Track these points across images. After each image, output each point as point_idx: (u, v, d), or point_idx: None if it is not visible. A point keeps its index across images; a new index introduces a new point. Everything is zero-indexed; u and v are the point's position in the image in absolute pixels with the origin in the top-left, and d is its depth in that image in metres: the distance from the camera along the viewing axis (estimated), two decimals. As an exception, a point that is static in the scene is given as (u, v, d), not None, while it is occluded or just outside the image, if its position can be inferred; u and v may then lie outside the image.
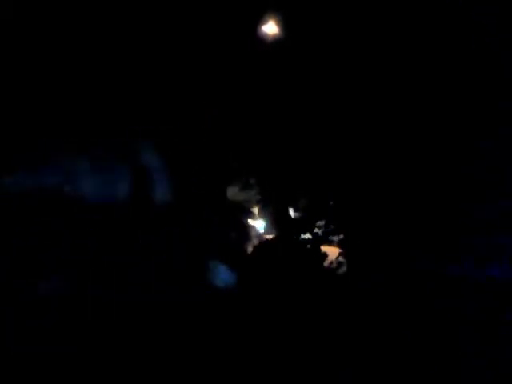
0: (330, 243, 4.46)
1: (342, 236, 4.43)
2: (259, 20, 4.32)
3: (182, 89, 4.01)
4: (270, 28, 4.30)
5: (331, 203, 4.46)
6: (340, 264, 4.35)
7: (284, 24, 4.33)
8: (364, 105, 4.09)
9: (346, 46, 4.13)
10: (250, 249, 3.88)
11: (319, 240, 4.46)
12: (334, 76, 4.21)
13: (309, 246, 4.43)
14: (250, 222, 4.44)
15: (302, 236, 4.49)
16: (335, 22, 4.15)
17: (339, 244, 4.42)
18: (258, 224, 4.49)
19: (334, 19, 4.16)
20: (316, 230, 4.49)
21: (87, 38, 3.97)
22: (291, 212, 4.58)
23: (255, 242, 4.15)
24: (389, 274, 3.12)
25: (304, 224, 4.52)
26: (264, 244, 4.16)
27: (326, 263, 4.37)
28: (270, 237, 4.40)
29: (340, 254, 4.38)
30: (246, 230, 4.14)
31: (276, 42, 4.34)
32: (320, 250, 4.43)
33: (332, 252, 4.42)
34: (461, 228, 2.79)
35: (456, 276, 2.70)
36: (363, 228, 3.95)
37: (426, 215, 3.01)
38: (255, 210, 4.58)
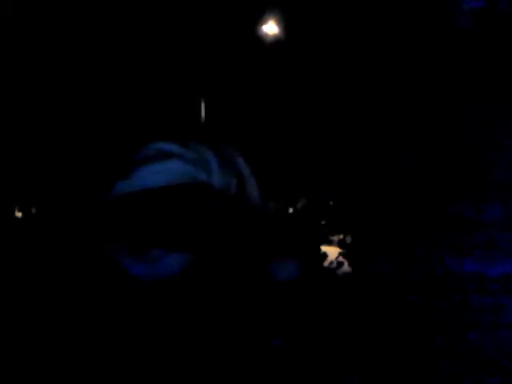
0: (330, 243, 4.48)
1: (341, 236, 4.45)
2: (259, 20, 4.33)
3: (183, 89, 4.03)
4: (270, 28, 4.31)
5: (331, 203, 4.48)
6: (340, 264, 4.37)
7: (284, 24, 4.34)
8: (364, 104, 4.10)
9: (346, 46, 4.14)
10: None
11: (319, 240, 4.47)
12: (334, 76, 4.22)
13: (309, 246, 4.45)
14: None
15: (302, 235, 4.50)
16: (335, 23, 4.16)
17: (339, 244, 4.44)
18: None
19: (333, 19, 4.17)
20: (316, 230, 4.50)
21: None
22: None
23: None
24: (389, 273, 3.13)
25: (304, 224, 4.53)
26: None
27: (325, 263, 4.39)
28: None
29: (340, 254, 4.39)
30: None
31: (276, 41, 4.35)
32: (320, 249, 4.44)
33: (332, 252, 4.44)
34: (462, 226, 2.80)
35: (458, 275, 2.71)
36: (363, 228, 3.96)
37: (426, 214, 3.01)
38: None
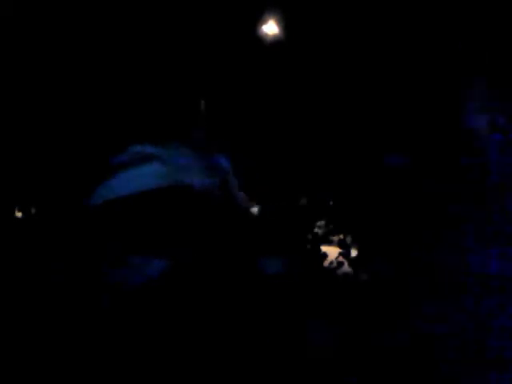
0: (330, 243, 4.48)
1: (341, 236, 4.45)
2: (259, 20, 4.32)
3: (185, 90, 4.02)
4: (270, 28, 4.30)
5: (331, 203, 4.47)
6: (340, 264, 4.37)
7: (284, 24, 4.33)
8: (364, 105, 4.09)
9: (345, 48, 4.13)
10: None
11: (319, 240, 4.47)
12: (335, 76, 4.22)
13: (309, 246, 4.45)
14: None
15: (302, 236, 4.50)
16: (335, 23, 4.16)
17: (339, 244, 4.44)
18: None
19: (334, 20, 4.16)
20: (316, 230, 4.50)
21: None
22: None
23: None
24: (389, 273, 3.13)
25: (304, 224, 4.52)
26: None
27: (325, 263, 4.39)
28: None
29: (340, 254, 4.40)
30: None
31: (276, 42, 4.34)
32: (320, 249, 4.44)
33: (332, 252, 4.44)
34: (463, 226, 2.80)
35: (458, 275, 2.71)
36: (363, 228, 3.96)
37: (426, 214, 3.01)
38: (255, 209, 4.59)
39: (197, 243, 1.60)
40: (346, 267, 4.36)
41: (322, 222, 4.54)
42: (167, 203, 1.57)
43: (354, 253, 4.38)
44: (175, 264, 1.56)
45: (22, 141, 3.97)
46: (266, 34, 4.37)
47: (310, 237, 4.51)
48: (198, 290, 1.60)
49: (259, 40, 4.37)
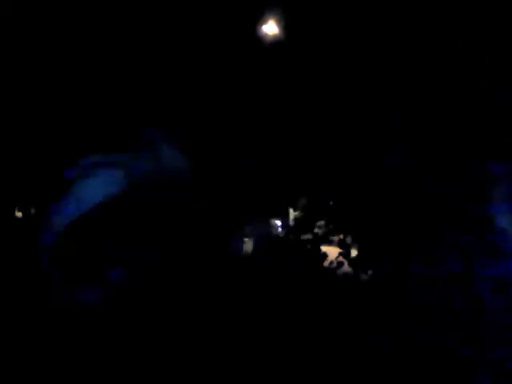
0: (330, 243, 4.48)
1: (341, 236, 4.45)
2: (259, 20, 4.32)
3: (186, 91, 4.02)
4: (270, 28, 4.29)
5: (331, 203, 4.47)
6: (340, 264, 4.37)
7: (284, 24, 4.33)
8: (366, 104, 4.10)
9: (344, 49, 4.14)
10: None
11: (319, 240, 4.47)
12: (335, 76, 4.22)
13: (309, 246, 4.45)
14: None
15: (302, 236, 4.50)
16: (336, 23, 4.16)
17: (339, 244, 4.44)
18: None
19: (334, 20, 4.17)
20: (316, 230, 4.50)
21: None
22: (291, 212, 4.59)
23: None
24: (389, 273, 3.13)
25: (304, 224, 4.53)
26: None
27: (325, 263, 4.39)
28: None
29: (340, 254, 4.40)
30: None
31: (276, 41, 4.34)
32: (320, 249, 4.45)
33: (332, 252, 4.44)
34: (463, 227, 2.80)
35: (457, 275, 2.71)
36: (364, 228, 3.96)
37: (426, 214, 3.01)
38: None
39: (161, 244, 1.61)
40: (346, 267, 4.36)
41: (321, 222, 4.54)
42: (127, 210, 1.57)
43: (354, 253, 4.38)
44: (141, 268, 1.57)
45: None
46: (266, 34, 4.37)
47: (310, 237, 4.51)
48: (169, 289, 1.61)
49: (259, 40, 4.37)
